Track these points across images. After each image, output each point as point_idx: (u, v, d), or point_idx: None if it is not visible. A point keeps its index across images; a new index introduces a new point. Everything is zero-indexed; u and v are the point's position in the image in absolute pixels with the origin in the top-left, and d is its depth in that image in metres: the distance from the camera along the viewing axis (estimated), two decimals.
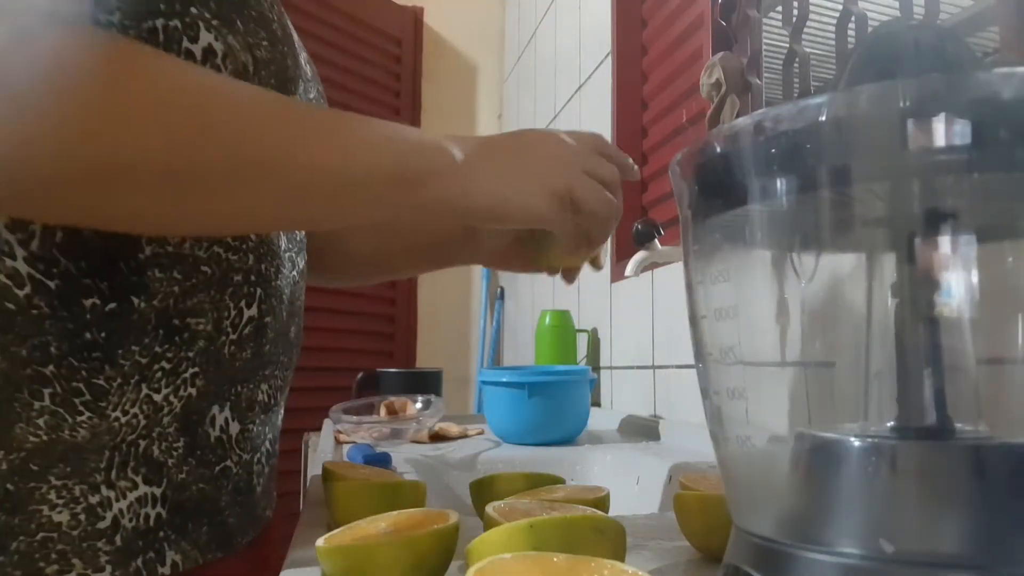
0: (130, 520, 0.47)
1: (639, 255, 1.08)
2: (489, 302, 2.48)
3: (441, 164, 0.48)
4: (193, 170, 0.40)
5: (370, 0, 2.34)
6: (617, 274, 1.45)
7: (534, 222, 0.51)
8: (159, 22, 0.45)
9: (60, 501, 0.45)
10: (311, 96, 0.61)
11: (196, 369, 0.49)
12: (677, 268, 1.18)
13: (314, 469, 0.83)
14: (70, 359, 0.45)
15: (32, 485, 0.45)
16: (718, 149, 0.33)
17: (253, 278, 0.53)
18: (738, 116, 0.94)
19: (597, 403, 1.51)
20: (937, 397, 0.30)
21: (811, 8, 0.83)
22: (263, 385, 0.56)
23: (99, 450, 0.46)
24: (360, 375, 1.68)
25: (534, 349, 1.54)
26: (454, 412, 1.85)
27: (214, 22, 0.47)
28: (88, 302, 0.45)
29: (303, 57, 0.61)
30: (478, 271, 2.52)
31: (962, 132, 0.26)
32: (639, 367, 1.34)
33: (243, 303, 0.52)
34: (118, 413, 0.46)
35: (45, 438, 0.44)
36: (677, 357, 1.20)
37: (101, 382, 0.45)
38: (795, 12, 0.85)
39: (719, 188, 0.33)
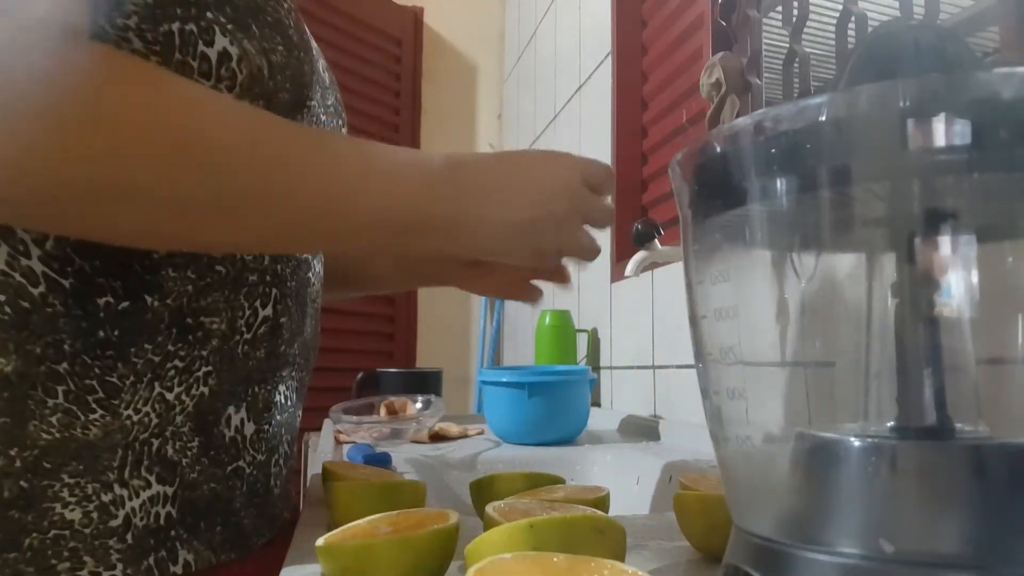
0: (142, 519, 0.47)
1: (639, 255, 1.08)
2: (489, 302, 2.48)
3: (438, 215, 0.47)
4: (177, 196, 0.40)
5: (370, 0, 2.34)
6: (617, 274, 1.45)
7: (517, 263, 0.52)
8: (175, 26, 0.45)
9: (73, 499, 0.45)
10: (329, 103, 0.62)
11: (209, 368, 0.49)
12: (677, 268, 1.18)
13: (314, 469, 0.83)
14: (84, 357, 0.45)
15: (46, 483, 0.45)
16: (718, 149, 0.33)
17: (268, 278, 0.53)
18: (738, 116, 0.94)
19: (597, 403, 1.51)
20: (937, 397, 0.30)
21: (811, 8, 0.83)
22: (280, 386, 0.56)
23: (112, 448, 0.47)
24: (360, 375, 1.68)
25: (534, 349, 1.54)
26: (454, 412, 1.85)
27: (229, 26, 0.47)
28: (102, 300, 0.45)
29: (321, 64, 0.61)
30: None
31: (962, 132, 0.26)
32: (639, 367, 1.34)
33: (258, 303, 0.52)
34: (131, 411, 0.47)
35: (58, 435, 0.45)
36: (677, 357, 1.20)
37: (114, 380, 0.46)
38: (795, 12, 0.85)
39: (719, 188, 0.33)
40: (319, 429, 1.21)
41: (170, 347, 0.48)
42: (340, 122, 0.67)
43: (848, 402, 0.34)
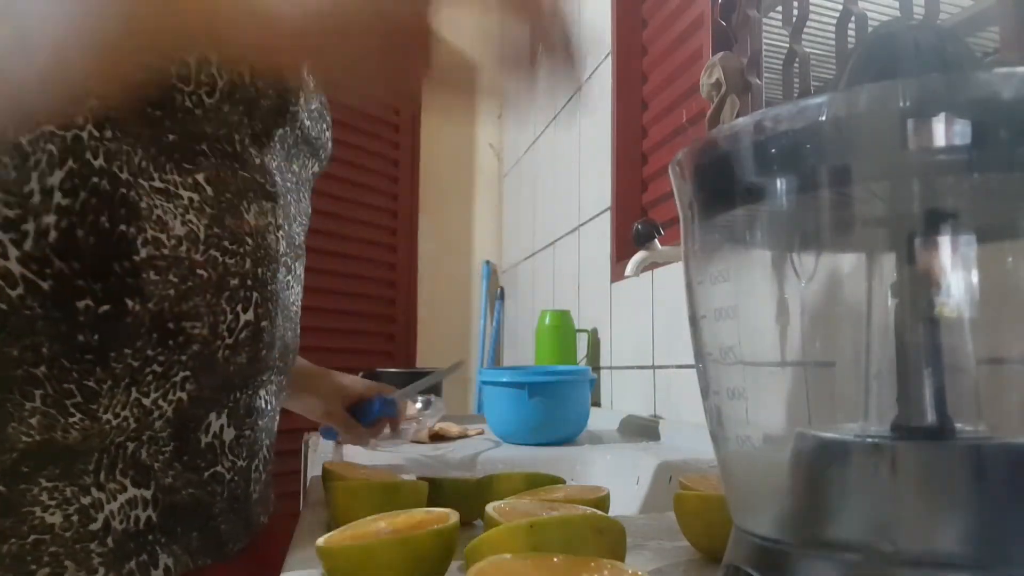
0: (121, 522, 0.47)
1: (639, 255, 1.08)
2: (489, 302, 2.48)
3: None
4: None
5: None
6: (617, 274, 1.45)
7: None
8: None
9: (52, 502, 0.45)
10: (312, 108, 0.62)
11: (187, 373, 0.49)
12: (677, 268, 1.18)
13: (314, 469, 0.83)
14: (62, 360, 0.44)
15: (24, 487, 0.45)
16: (718, 149, 0.33)
17: (250, 282, 0.52)
18: (738, 116, 0.94)
19: (597, 403, 1.51)
20: (937, 397, 0.30)
21: (811, 8, 0.83)
22: (261, 391, 0.56)
23: (89, 452, 0.46)
24: (360, 375, 1.68)
25: (534, 349, 1.54)
26: (454, 412, 1.85)
27: None
28: (81, 304, 0.44)
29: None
30: (478, 271, 2.52)
31: (962, 132, 0.26)
32: (639, 367, 1.34)
33: (239, 307, 0.52)
34: (109, 416, 0.46)
35: (37, 439, 0.44)
36: (677, 357, 1.20)
37: (92, 384, 0.45)
38: (795, 12, 0.85)
39: (719, 188, 0.33)
40: (319, 429, 1.21)
41: (149, 352, 0.47)
42: (325, 126, 0.66)
43: (848, 402, 0.34)
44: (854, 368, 0.34)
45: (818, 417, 0.34)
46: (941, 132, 0.27)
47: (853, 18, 0.74)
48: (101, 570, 0.46)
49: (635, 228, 1.08)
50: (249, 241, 0.52)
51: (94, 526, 0.46)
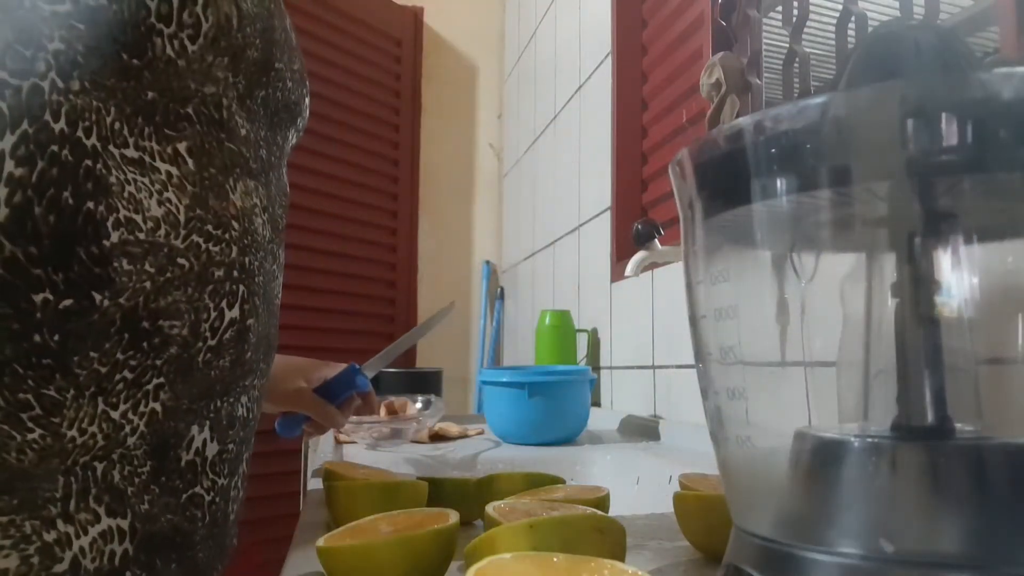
0: (93, 559, 0.39)
1: (639, 255, 1.08)
2: (489, 302, 2.48)
3: None
4: None
5: (370, 0, 2.34)
6: (617, 274, 1.45)
7: None
8: None
9: (7, 542, 0.37)
10: (295, 67, 0.55)
11: (161, 380, 0.42)
12: (677, 268, 1.18)
13: (314, 469, 0.83)
14: (15, 366, 0.36)
15: None
16: (718, 149, 0.33)
17: (236, 273, 0.46)
18: (738, 116, 0.94)
19: (597, 403, 1.51)
20: (937, 397, 0.30)
21: (811, 8, 0.83)
22: (243, 397, 0.49)
23: (51, 476, 0.38)
24: None
25: (534, 349, 1.54)
26: (454, 412, 1.85)
27: None
28: (39, 297, 0.37)
29: (288, 23, 0.54)
30: (478, 271, 2.52)
31: (962, 132, 0.26)
32: (639, 367, 1.34)
33: (224, 303, 0.45)
34: (73, 432, 0.38)
35: None
36: (677, 357, 1.20)
37: (52, 393, 0.38)
38: (795, 12, 0.85)
39: (719, 188, 0.33)
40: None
41: (119, 355, 0.39)
42: (304, 91, 0.58)
43: (848, 402, 0.34)
44: (854, 368, 0.34)
45: (818, 417, 0.34)
46: (941, 132, 0.27)
47: (853, 18, 0.73)
48: None
49: (635, 228, 1.08)
50: (235, 226, 0.45)
51: (59, 567, 0.38)
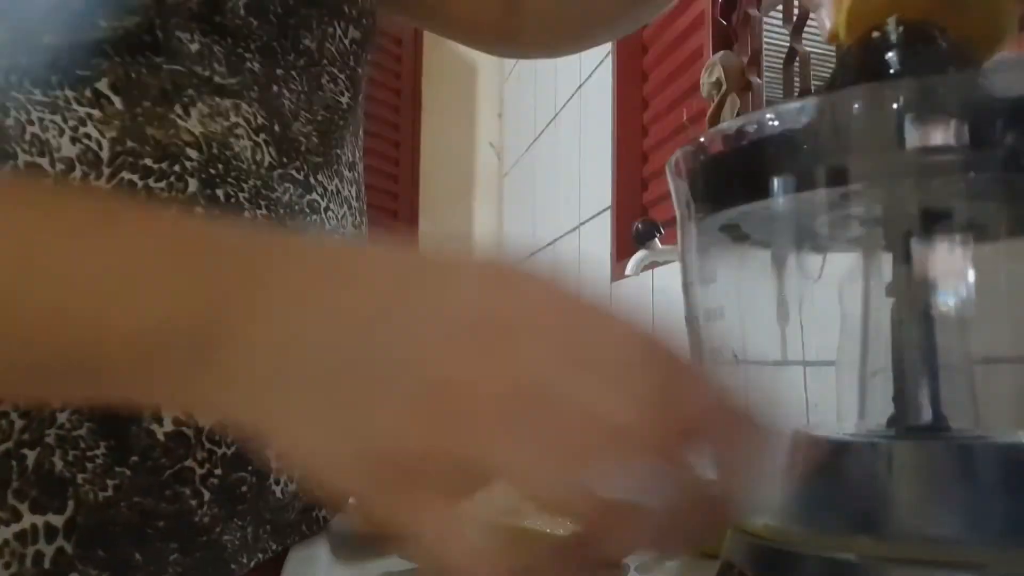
0: (7, 565, 0.33)
1: (639, 254, 1.08)
2: None
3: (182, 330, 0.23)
4: None
5: None
6: (617, 273, 1.45)
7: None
8: None
9: None
10: None
11: None
12: (677, 267, 1.18)
13: None
14: None
15: None
16: (714, 148, 0.33)
17: (199, 209, 0.38)
18: (738, 115, 0.94)
19: None
20: (933, 396, 0.31)
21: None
22: None
23: None
24: None
25: None
26: None
27: None
28: None
29: None
30: None
31: (959, 132, 0.26)
32: None
33: None
34: None
35: None
36: None
37: None
38: (796, 11, 0.85)
39: (716, 187, 0.33)
40: None
41: None
42: None
43: (846, 401, 0.34)
44: (851, 368, 0.34)
45: (815, 416, 0.34)
46: (938, 132, 0.27)
47: None
48: None
49: (635, 227, 1.08)
50: (192, 154, 0.38)
51: None
